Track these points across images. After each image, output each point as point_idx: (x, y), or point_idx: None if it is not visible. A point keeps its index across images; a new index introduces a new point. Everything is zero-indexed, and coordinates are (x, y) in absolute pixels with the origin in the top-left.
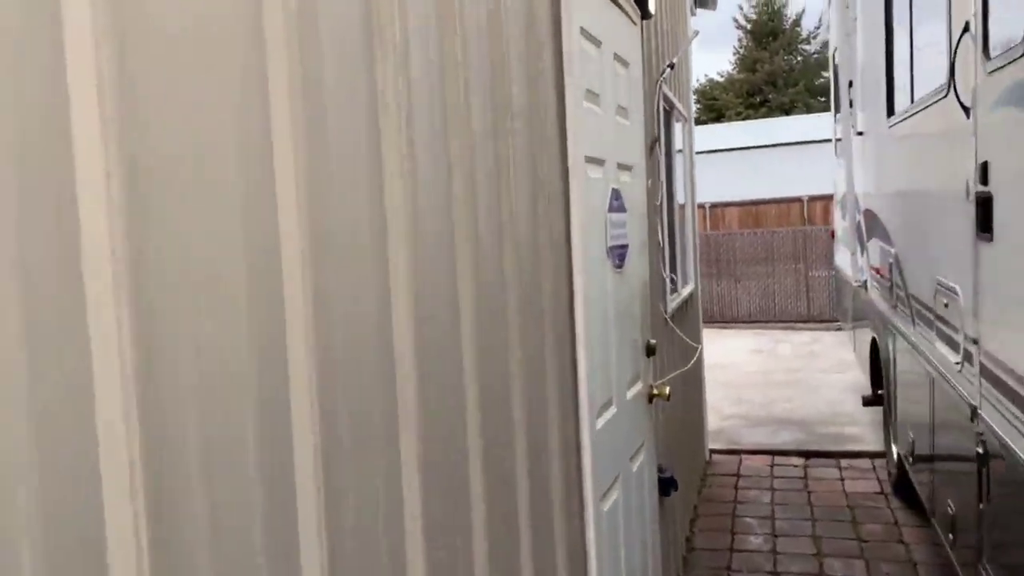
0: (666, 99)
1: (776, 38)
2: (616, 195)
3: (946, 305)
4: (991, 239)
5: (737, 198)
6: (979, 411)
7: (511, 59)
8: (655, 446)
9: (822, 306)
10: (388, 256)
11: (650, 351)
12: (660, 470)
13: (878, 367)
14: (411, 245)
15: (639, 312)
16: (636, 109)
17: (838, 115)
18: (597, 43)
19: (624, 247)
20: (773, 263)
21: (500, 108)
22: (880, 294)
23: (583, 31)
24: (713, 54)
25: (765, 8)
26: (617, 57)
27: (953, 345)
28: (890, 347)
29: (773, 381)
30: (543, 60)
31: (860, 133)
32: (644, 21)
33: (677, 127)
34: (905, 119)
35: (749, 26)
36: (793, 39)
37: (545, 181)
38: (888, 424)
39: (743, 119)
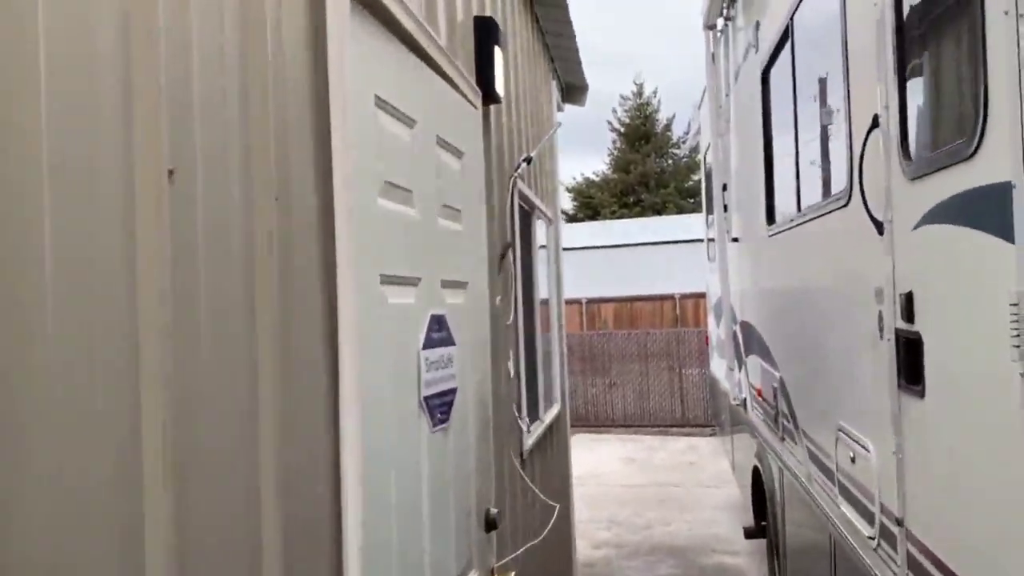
0: (524, 198)
1: (648, 141)
2: (438, 324)
3: (853, 460)
4: (922, 393)
5: (613, 294)
6: None
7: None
8: None
9: (696, 409)
10: None
11: (490, 524)
12: None
13: (760, 494)
14: None
15: (476, 477)
16: (474, 210)
17: (710, 217)
18: (408, 122)
19: (450, 394)
20: (647, 363)
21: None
22: (762, 418)
23: (380, 101)
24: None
25: (637, 112)
26: (444, 144)
27: (866, 515)
28: (776, 482)
29: (648, 497)
30: (295, 135)
31: (735, 239)
32: (490, 106)
33: (540, 227)
34: (789, 229)
35: (622, 129)
36: (664, 143)
37: (298, 317)
38: (774, 553)
39: (618, 217)
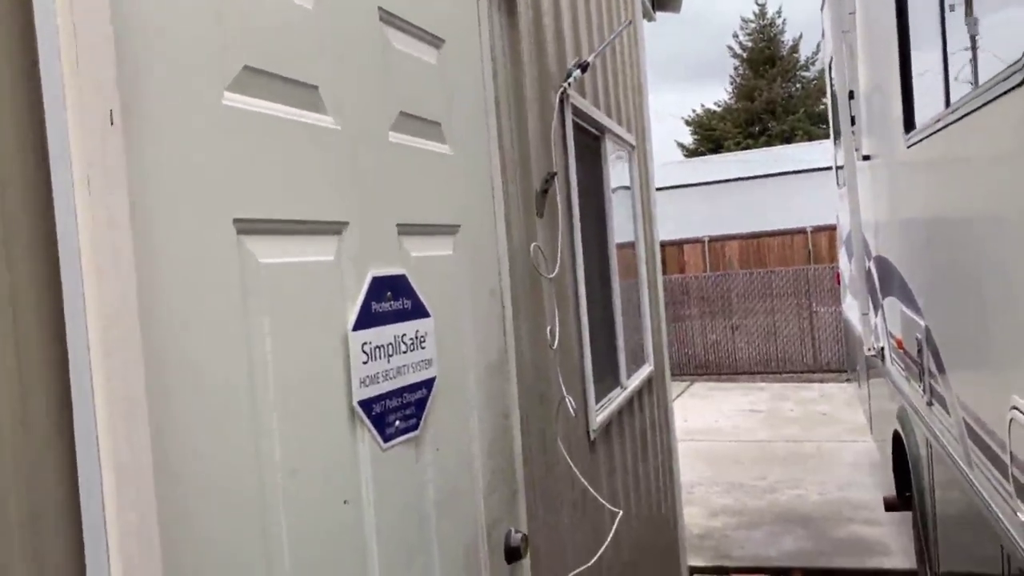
0: (584, 116)
1: (774, 65)
2: (389, 289)
3: None
4: None
5: (737, 231)
6: None
7: None
8: None
9: (829, 353)
10: None
11: (512, 554)
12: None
13: (902, 462)
14: None
15: (485, 494)
16: (470, 125)
17: (838, 139)
18: None
19: (420, 388)
20: (774, 303)
21: None
22: (904, 374)
23: None
24: (710, 85)
25: (761, 35)
26: (397, 22)
27: None
28: (923, 454)
29: (774, 455)
30: None
31: (867, 157)
32: None
33: (615, 159)
34: (936, 133)
35: (745, 54)
36: (791, 65)
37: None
38: (922, 541)
39: (742, 149)
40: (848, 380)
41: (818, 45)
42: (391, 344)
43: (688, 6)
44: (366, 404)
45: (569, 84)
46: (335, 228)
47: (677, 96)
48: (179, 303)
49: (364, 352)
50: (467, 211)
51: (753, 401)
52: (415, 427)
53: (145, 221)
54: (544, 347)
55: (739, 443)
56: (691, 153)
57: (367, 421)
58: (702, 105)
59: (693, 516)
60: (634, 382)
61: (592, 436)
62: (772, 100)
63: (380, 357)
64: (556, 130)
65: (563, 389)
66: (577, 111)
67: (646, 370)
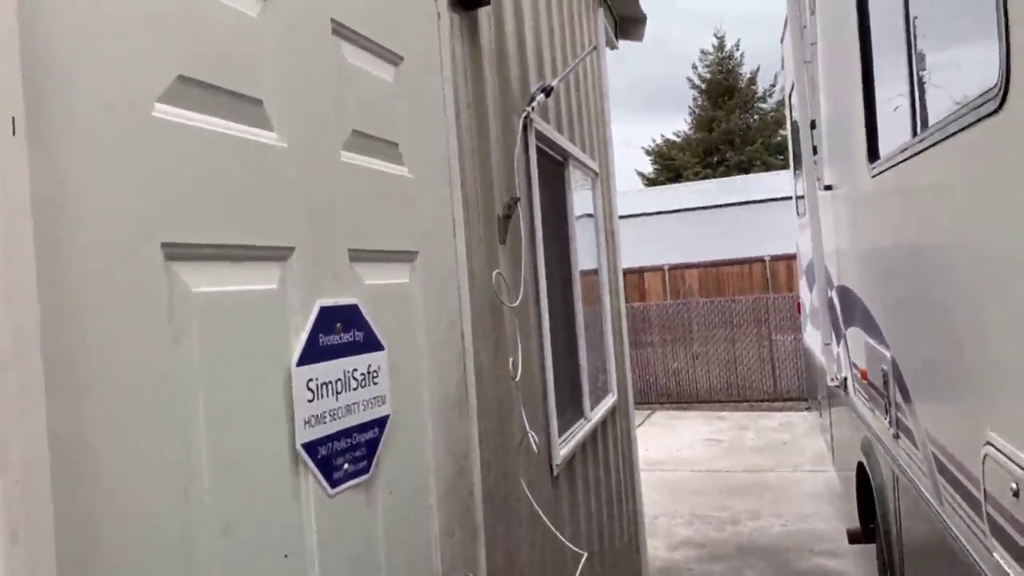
0: (547, 142)
1: (732, 96)
2: (340, 320)
3: (1016, 494)
4: None
5: (697, 259)
6: None
7: None
8: None
9: (790, 381)
10: None
11: None
12: None
13: (866, 495)
14: None
15: (440, 540)
16: (430, 147)
17: (798, 169)
18: None
19: (372, 428)
20: (734, 332)
21: None
22: (868, 406)
23: None
24: (669, 115)
25: (719, 67)
26: (352, 36)
27: None
28: (889, 488)
29: (736, 485)
30: None
31: (828, 187)
32: (475, 10)
33: (578, 186)
34: (900, 163)
35: (704, 85)
36: (749, 97)
37: None
38: (887, 574)
39: (701, 178)
40: (808, 409)
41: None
42: (340, 380)
43: (649, 36)
44: (311, 446)
45: (532, 108)
46: (280, 254)
47: (638, 126)
48: (94, 337)
49: (310, 389)
50: (426, 237)
51: (715, 430)
52: (366, 470)
53: (52, 244)
54: (506, 380)
55: (701, 473)
56: (651, 182)
57: (312, 465)
58: (662, 135)
59: (656, 548)
60: (598, 413)
61: (555, 471)
62: (730, 131)
63: (328, 394)
64: (519, 155)
65: (526, 424)
66: (541, 136)
67: (610, 400)
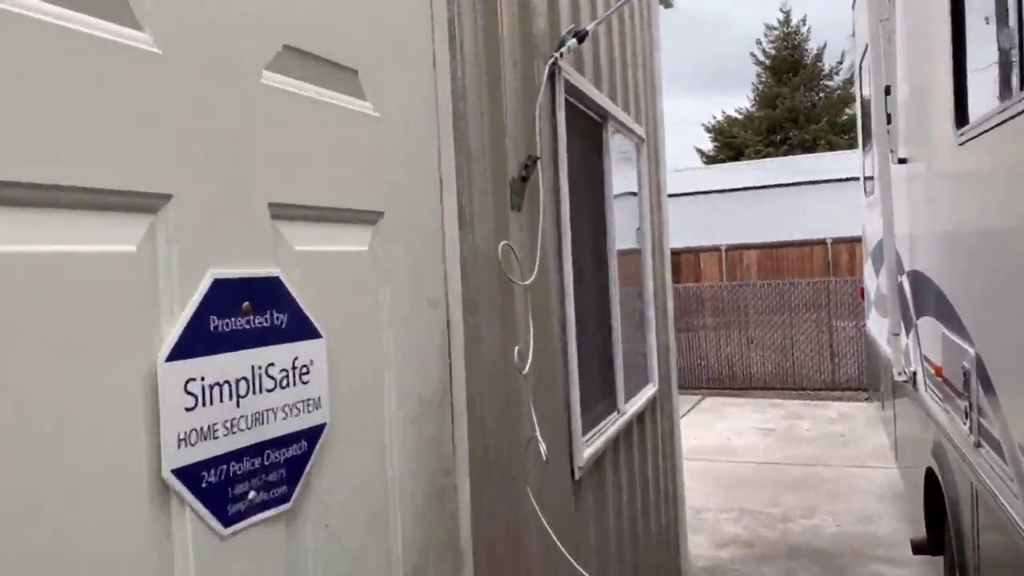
0: (580, 96)
1: (797, 73)
2: (246, 299)
3: None
4: None
5: (756, 239)
6: None
7: None
8: None
9: (849, 369)
10: None
11: None
12: None
13: (935, 503)
14: None
15: None
16: (408, 80)
17: (868, 145)
18: None
19: (296, 442)
20: (791, 316)
21: None
22: (943, 406)
23: None
24: (731, 92)
25: (785, 43)
26: None
27: None
28: (966, 502)
29: (788, 478)
30: None
31: (903, 160)
32: None
33: (620, 153)
34: (1000, 125)
35: (768, 61)
36: (815, 74)
37: None
38: None
39: (763, 157)
40: (868, 399)
41: (843, 54)
42: (245, 379)
43: (712, 12)
44: (189, 472)
45: (561, 55)
46: (145, 203)
47: (697, 104)
48: None
49: (189, 393)
50: (397, 194)
51: (767, 418)
52: (285, 498)
53: None
54: (512, 373)
55: (751, 464)
56: (711, 160)
57: (191, 497)
58: (723, 112)
59: (700, 546)
60: (634, 405)
61: (577, 475)
62: (795, 108)
63: (222, 399)
64: (544, 107)
65: (536, 426)
66: (572, 89)
67: (649, 390)
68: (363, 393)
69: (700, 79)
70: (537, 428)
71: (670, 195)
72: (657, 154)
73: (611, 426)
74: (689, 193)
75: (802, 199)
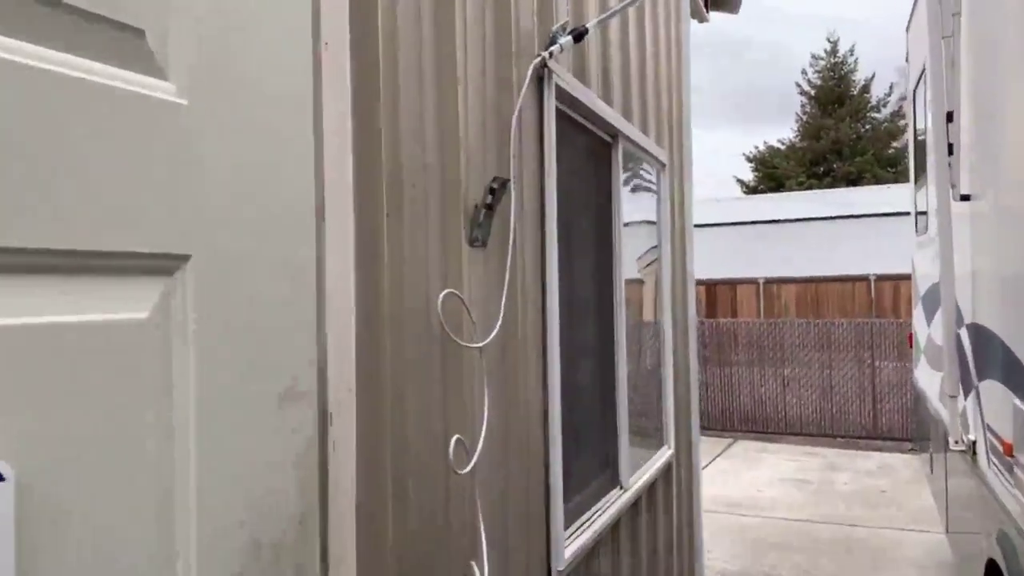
0: (577, 107)
1: (843, 104)
2: None
3: None
4: None
5: (795, 273)
6: None
7: None
8: None
9: (892, 417)
10: None
11: None
12: None
13: None
14: None
15: None
16: (247, 51)
17: (920, 179)
18: None
19: None
20: (831, 356)
21: None
22: (1012, 492)
23: None
24: (774, 123)
25: (831, 73)
26: None
27: None
28: None
29: (824, 540)
30: None
31: (965, 197)
32: None
33: (638, 180)
34: None
35: (813, 92)
36: (862, 106)
37: None
38: None
39: (805, 188)
40: (912, 451)
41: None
42: None
43: (760, 45)
44: None
45: (551, 55)
46: None
47: (740, 134)
48: None
49: None
50: (221, 226)
51: (802, 467)
52: None
53: None
54: (447, 474)
55: (784, 521)
56: (751, 190)
57: None
58: (764, 142)
59: None
60: (643, 476)
61: None
62: (839, 140)
63: None
64: (524, 116)
65: (482, 543)
66: (568, 98)
67: (664, 455)
68: (110, 556)
69: (744, 109)
70: (484, 545)
71: (707, 224)
72: (682, 182)
73: (611, 505)
74: (727, 223)
75: (844, 233)
